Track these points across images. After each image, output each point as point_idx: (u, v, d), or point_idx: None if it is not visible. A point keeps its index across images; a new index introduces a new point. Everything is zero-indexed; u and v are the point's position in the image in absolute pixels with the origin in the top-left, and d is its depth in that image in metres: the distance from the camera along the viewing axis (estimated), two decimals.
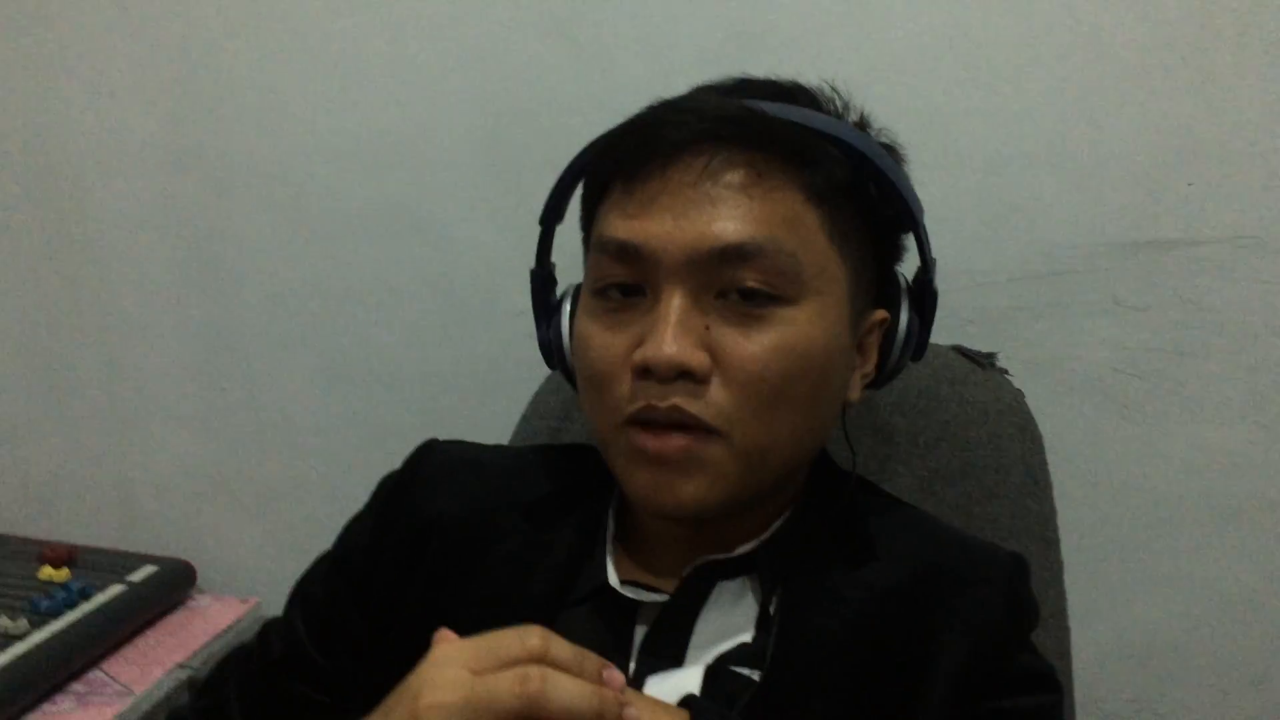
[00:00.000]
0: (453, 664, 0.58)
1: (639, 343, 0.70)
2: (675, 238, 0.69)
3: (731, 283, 0.70)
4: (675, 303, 0.69)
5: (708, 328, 0.69)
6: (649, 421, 0.70)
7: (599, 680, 0.59)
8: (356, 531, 0.88)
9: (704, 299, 0.70)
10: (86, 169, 1.50)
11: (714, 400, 0.69)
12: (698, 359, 0.68)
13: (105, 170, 1.49)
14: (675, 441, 0.69)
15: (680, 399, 0.69)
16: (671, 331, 0.68)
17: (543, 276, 0.87)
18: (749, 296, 0.70)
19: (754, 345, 0.69)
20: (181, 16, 1.40)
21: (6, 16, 1.46)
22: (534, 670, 0.56)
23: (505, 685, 0.56)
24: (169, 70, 1.43)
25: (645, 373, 0.69)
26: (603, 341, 0.73)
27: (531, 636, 0.58)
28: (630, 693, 0.62)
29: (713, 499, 0.71)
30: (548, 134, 1.31)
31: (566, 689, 0.56)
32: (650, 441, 0.70)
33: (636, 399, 0.70)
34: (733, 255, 0.69)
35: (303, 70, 1.39)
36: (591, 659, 0.60)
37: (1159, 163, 1.16)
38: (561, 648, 0.59)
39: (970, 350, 1.08)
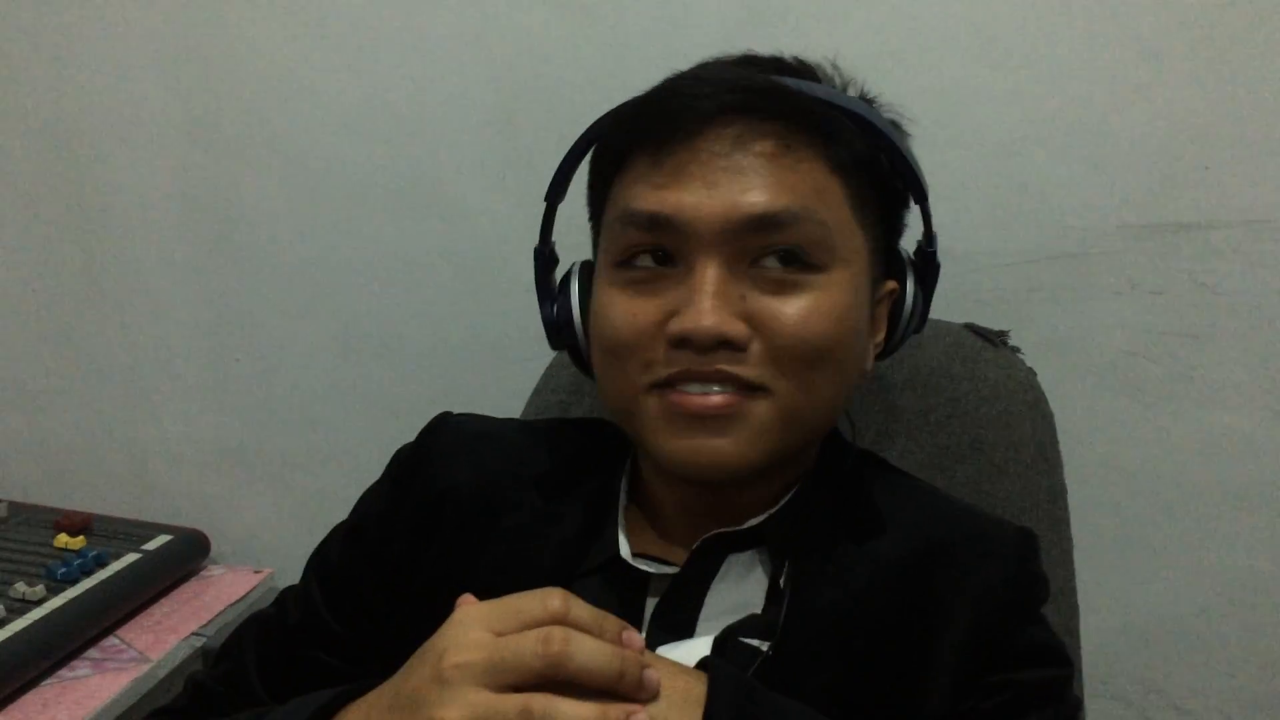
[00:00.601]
0: (476, 625, 0.59)
1: (670, 312, 0.71)
2: (708, 207, 0.69)
3: (764, 251, 0.70)
4: (711, 273, 0.70)
5: (743, 297, 0.70)
6: (688, 389, 0.70)
7: (619, 642, 0.60)
8: (372, 502, 0.88)
9: (738, 268, 0.71)
10: (103, 143, 1.50)
11: (756, 363, 0.70)
12: (736, 328, 0.69)
13: (122, 144, 1.50)
14: (718, 398, 0.70)
15: (723, 364, 0.69)
16: (710, 302, 0.68)
17: (546, 255, 0.87)
18: (783, 263, 0.71)
19: (791, 309, 0.70)
20: None
21: None
22: (556, 630, 0.57)
23: (528, 645, 0.57)
24: (185, 44, 1.44)
25: (683, 343, 0.69)
26: (628, 308, 0.73)
27: (553, 598, 0.59)
28: (649, 654, 0.62)
29: (753, 456, 0.71)
30: (562, 109, 1.31)
31: (588, 649, 0.57)
32: (693, 400, 0.70)
33: (672, 365, 0.70)
34: (767, 224, 0.70)
35: (317, 45, 1.39)
36: (611, 621, 0.60)
37: (1174, 146, 1.16)
38: (582, 610, 0.59)
39: (982, 328, 1.08)
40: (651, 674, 0.59)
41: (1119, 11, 1.14)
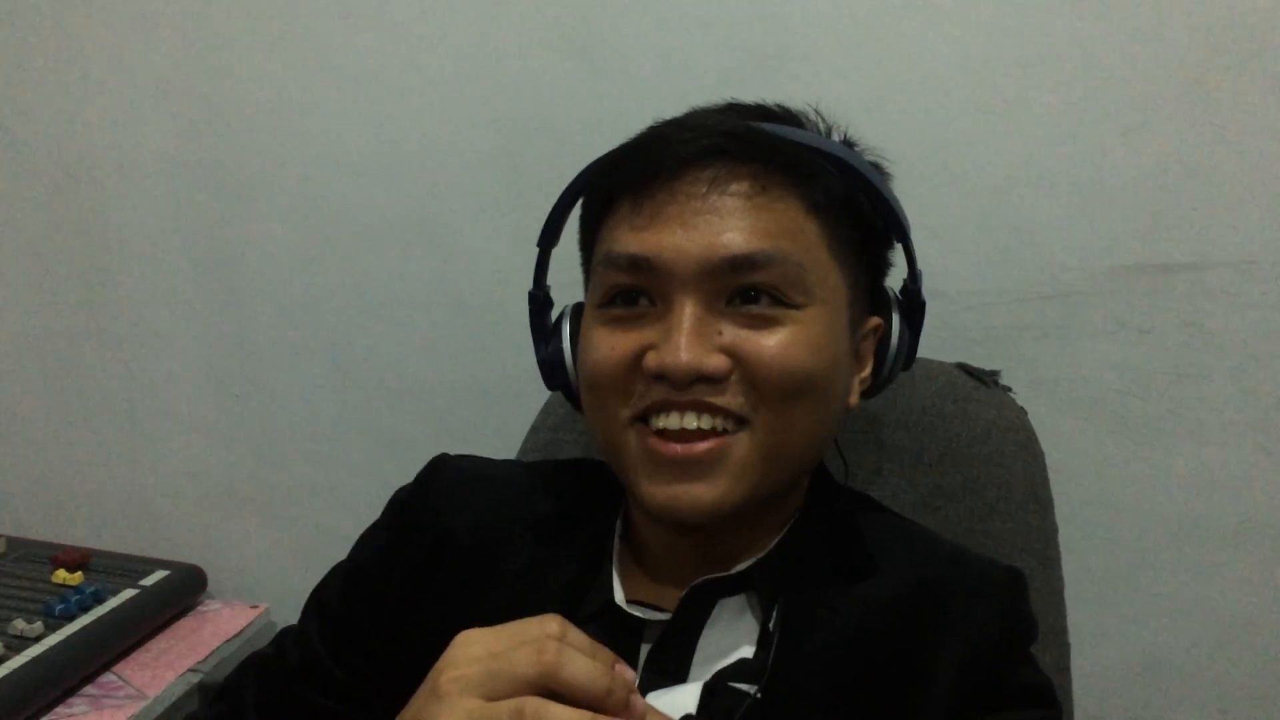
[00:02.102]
0: (475, 644, 0.60)
1: (648, 346, 0.72)
2: (686, 249, 0.71)
3: (741, 290, 0.72)
4: (688, 310, 0.71)
5: (720, 332, 0.71)
6: (666, 419, 0.71)
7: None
8: (371, 544, 0.89)
9: (715, 306, 0.72)
10: (107, 180, 1.52)
11: (734, 394, 0.71)
12: (713, 361, 0.70)
13: (125, 181, 1.51)
14: (700, 446, 0.71)
15: (701, 395, 0.71)
16: (686, 338, 0.70)
17: (540, 298, 0.89)
18: (758, 302, 0.72)
19: (770, 340, 0.71)
20: (201, 31, 1.43)
21: (31, 30, 1.48)
22: (551, 643, 0.58)
23: (523, 655, 0.57)
24: (188, 83, 1.46)
25: (660, 377, 0.71)
26: (609, 343, 0.74)
27: (551, 622, 0.60)
28: (637, 697, 0.63)
29: (734, 498, 0.72)
30: (561, 150, 1.31)
31: (581, 664, 0.57)
32: (673, 448, 0.71)
33: (650, 394, 0.72)
34: (743, 265, 0.71)
35: (319, 84, 1.41)
36: (604, 652, 0.61)
37: (1163, 187, 1.17)
38: (578, 635, 0.60)
39: (974, 368, 1.09)
40: (638, 699, 0.60)
41: (1108, 56, 1.16)
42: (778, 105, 0.82)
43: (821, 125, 0.83)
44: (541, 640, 0.58)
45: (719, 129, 0.74)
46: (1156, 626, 1.28)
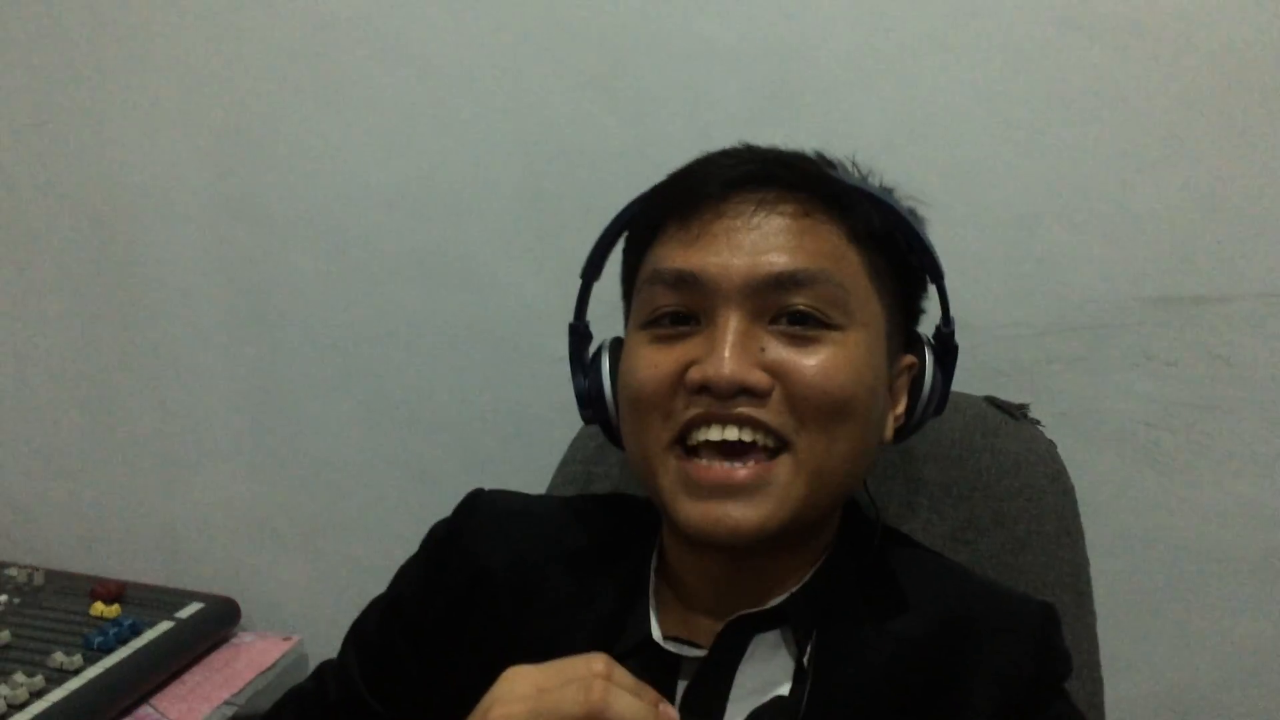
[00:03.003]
0: (523, 681, 0.61)
1: (690, 362, 0.73)
2: (732, 265, 0.73)
3: (785, 308, 0.73)
4: (733, 324, 0.72)
5: (763, 349, 0.73)
6: (707, 432, 0.72)
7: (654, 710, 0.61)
8: (409, 578, 0.90)
9: (759, 323, 0.74)
10: (141, 216, 1.55)
11: (778, 412, 0.72)
12: (756, 376, 0.71)
13: (159, 217, 1.54)
14: (742, 470, 0.72)
15: (744, 409, 0.72)
16: (730, 350, 0.71)
17: (581, 331, 0.90)
18: (802, 320, 0.73)
19: (811, 360, 0.73)
20: (235, 73, 1.46)
21: (65, 67, 1.52)
22: (598, 681, 0.59)
23: (570, 693, 0.59)
24: (221, 121, 1.48)
25: (703, 390, 0.72)
26: (651, 360, 0.76)
27: (597, 661, 0.61)
28: None
29: (775, 521, 0.72)
30: (587, 185, 1.35)
31: (627, 702, 0.59)
32: (715, 472, 0.72)
33: (691, 408, 0.73)
34: (787, 282, 0.73)
35: (351, 124, 1.43)
36: (649, 691, 0.62)
37: (1188, 220, 1.18)
38: (623, 674, 0.61)
39: (1003, 401, 1.10)
40: None
41: (1131, 89, 1.17)
42: (816, 153, 0.84)
43: (858, 173, 0.84)
44: (588, 679, 0.59)
45: (765, 155, 0.78)
46: (1187, 659, 1.28)
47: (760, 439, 0.72)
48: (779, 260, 0.73)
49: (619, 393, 0.81)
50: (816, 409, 0.72)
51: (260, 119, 1.47)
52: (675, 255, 0.75)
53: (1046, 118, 1.20)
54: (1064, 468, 1.06)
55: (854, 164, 0.85)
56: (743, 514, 0.72)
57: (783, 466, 0.73)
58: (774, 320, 0.74)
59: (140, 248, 1.56)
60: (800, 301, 0.73)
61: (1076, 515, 1.05)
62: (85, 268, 1.59)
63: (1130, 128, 1.18)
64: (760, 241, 0.73)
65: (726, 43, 1.28)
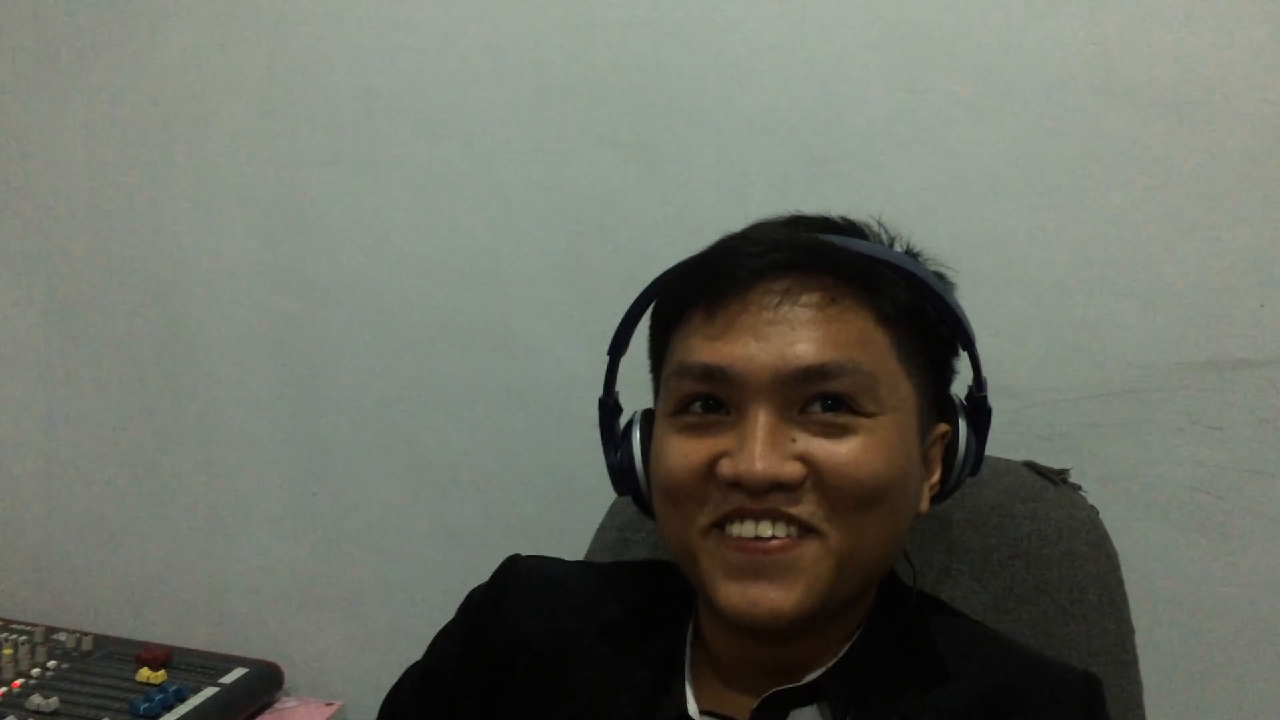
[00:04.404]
0: None
1: (721, 454, 0.73)
2: (759, 359, 0.73)
3: (814, 399, 0.73)
4: (763, 419, 0.72)
5: (794, 440, 0.72)
6: (741, 527, 0.72)
7: None
8: (446, 645, 0.91)
9: (788, 414, 0.73)
10: (191, 287, 1.59)
11: (809, 503, 0.72)
12: (789, 469, 0.71)
13: (209, 288, 1.58)
14: (773, 544, 0.72)
15: (776, 504, 0.71)
16: (761, 447, 0.71)
17: (610, 405, 0.90)
18: (832, 409, 0.73)
19: (844, 449, 0.72)
20: (280, 144, 1.50)
21: (122, 145, 1.57)
22: None
23: None
24: (269, 195, 1.53)
25: (735, 485, 0.72)
26: (682, 450, 0.76)
27: None
28: None
29: (807, 605, 0.72)
30: (626, 254, 1.37)
31: None
32: (747, 542, 0.72)
33: (726, 503, 0.73)
34: (815, 374, 0.72)
35: (394, 194, 1.47)
36: None
37: (1229, 283, 1.17)
38: None
39: (1043, 467, 1.09)
40: None
41: (1170, 152, 1.17)
42: (842, 218, 0.84)
43: (885, 236, 0.84)
44: None
45: (789, 242, 0.76)
46: None
47: (793, 532, 0.72)
48: (807, 352, 0.72)
49: (651, 477, 0.81)
50: (848, 497, 0.72)
51: (306, 192, 1.51)
52: (702, 349, 0.75)
53: (1085, 182, 1.21)
54: (1106, 534, 1.05)
55: (880, 225, 0.85)
56: (778, 596, 0.72)
57: (812, 548, 0.72)
58: (804, 409, 0.73)
59: (190, 318, 1.60)
60: (829, 391, 0.73)
61: (1120, 583, 1.04)
62: (138, 338, 1.63)
63: (1169, 191, 1.18)
64: (787, 333, 0.73)
65: (763, 112, 1.30)
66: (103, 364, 1.65)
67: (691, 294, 0.78)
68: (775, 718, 0.77)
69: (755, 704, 0.77)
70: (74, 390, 1.66)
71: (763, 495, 0.71)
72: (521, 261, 1.43)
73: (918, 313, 0.80)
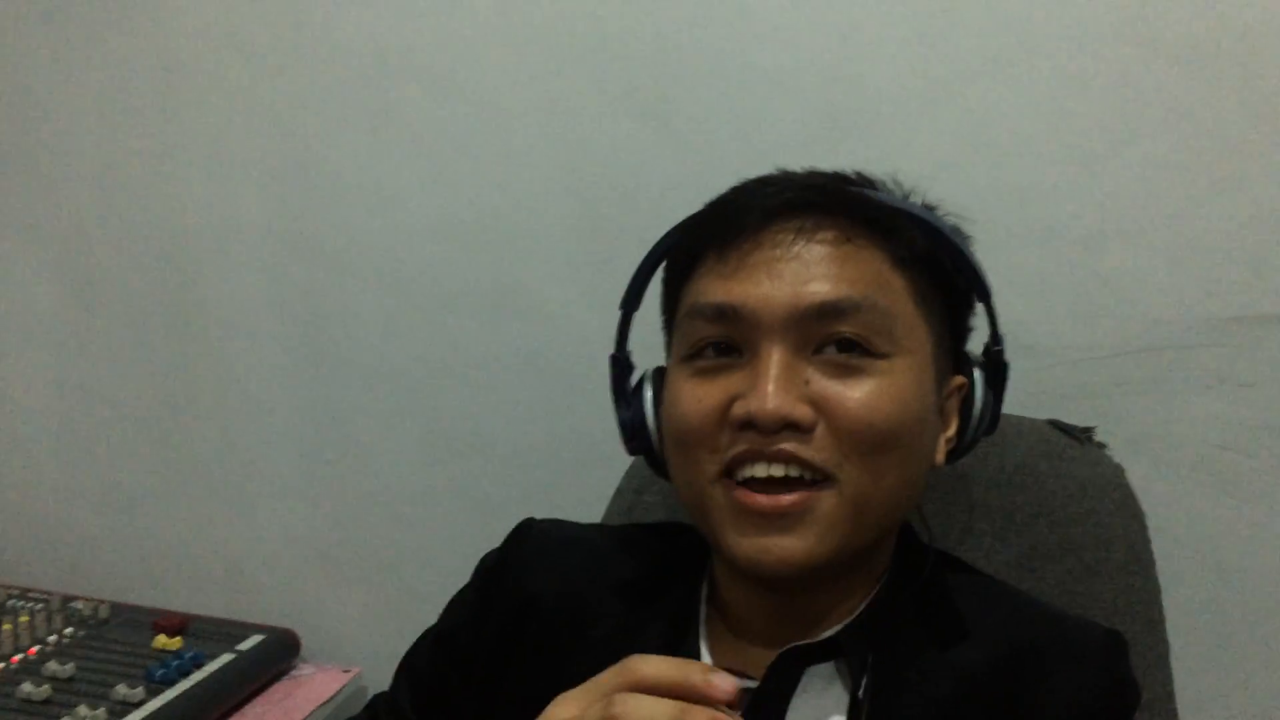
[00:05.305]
0: (562, 705, 0.59)
1: (734, 396, 0.72)
2: (773, 296, 0.71)
3: (828, 338, 0.72)
4: (775, 357, 0.71)
5: (807, 381, 0.71)
6: (753, 468, 0.71)
7: (706, 684, 0.56)
8: (459, 609, 0.90)
9: (802, 355, 0.72)
10: (204, 253, 1.58)
11: (821, 447, 0.70)
12: (801, 410, 0.70)
13: (221, 254, 1.57)
14: (787, 499, 0.70)
15: (788, 445, 0.70)
16: (774, 385, 0.70)
17: (622, 362, 0.89)
18: (846, 350, 0.72)
19: (856, 392, 0.71)
20: (290, 107, 1.48)
21: (131, 111, 1.55)
22: (617, 696, 0.56)
23: (594, 713, 0.56)
24: (282, 158, 1.51)
25: (747, 425, 0.70)
26: (695, 394, 0.74)
27: (623, 672, 0.58)
28: (721, 676, 0.57)
29: (822, 552, 0.71)
30: (641, 215, 1.34)
31: (647, 709, 0.55)
32: (760, 500, 0.70)
33: (736, 445, 0.71)
34: (830, 312, 0.71)
35: (404, 156, 1.45)
36: (691, 666, 0.57)
37: (1259, 237, 1.15)
38: (656, 667, 0.57)
39: (1067, 425, 1.07)
40: (724, 678, 0.56)
41: (1201, 108, 1.14)
42: (856, 173, 0.83)
43: (899, 192, 0.83)
44: (610, 695, 0.57)
45: (803, 181, 0.76)
46: (1267, 692, 1.22)
47: (805, 475, 0.71)
48: (821, 289, 0.71)
49: (664, 427, 0.80)
50: (861, 442, 0.71)
51: (317, 156, 1.49)
52: (715, 288, 0.74)
53: (1111, 136, 1.18)
54: (1132, 493, 1.03)
55: (895, 182, 0.83)
56: (790, 544, 0.71)
57: (827, 497, 0.71)
58: (818, 350, 0.72)
59: (203, 285, 1.59)
60: (844, 331, 0.72)
61: (1147, 542, 1.02)
62: (150, 305, 1.62)
63: (1198, 144, 1.16)
64: (801, 271, 0.72)
65: (779, 68, 1.27)
66: (116, 332, 1.64)
67: (705, 238, 0.77)
68: (791, 674, 0.76)
69: (771, 659, 0.76)
70: (88, 359, 1.66)
71: (774, 435, 0.70)
72: (536, 223, 1.41)
73: (934, 260, 0.78)
